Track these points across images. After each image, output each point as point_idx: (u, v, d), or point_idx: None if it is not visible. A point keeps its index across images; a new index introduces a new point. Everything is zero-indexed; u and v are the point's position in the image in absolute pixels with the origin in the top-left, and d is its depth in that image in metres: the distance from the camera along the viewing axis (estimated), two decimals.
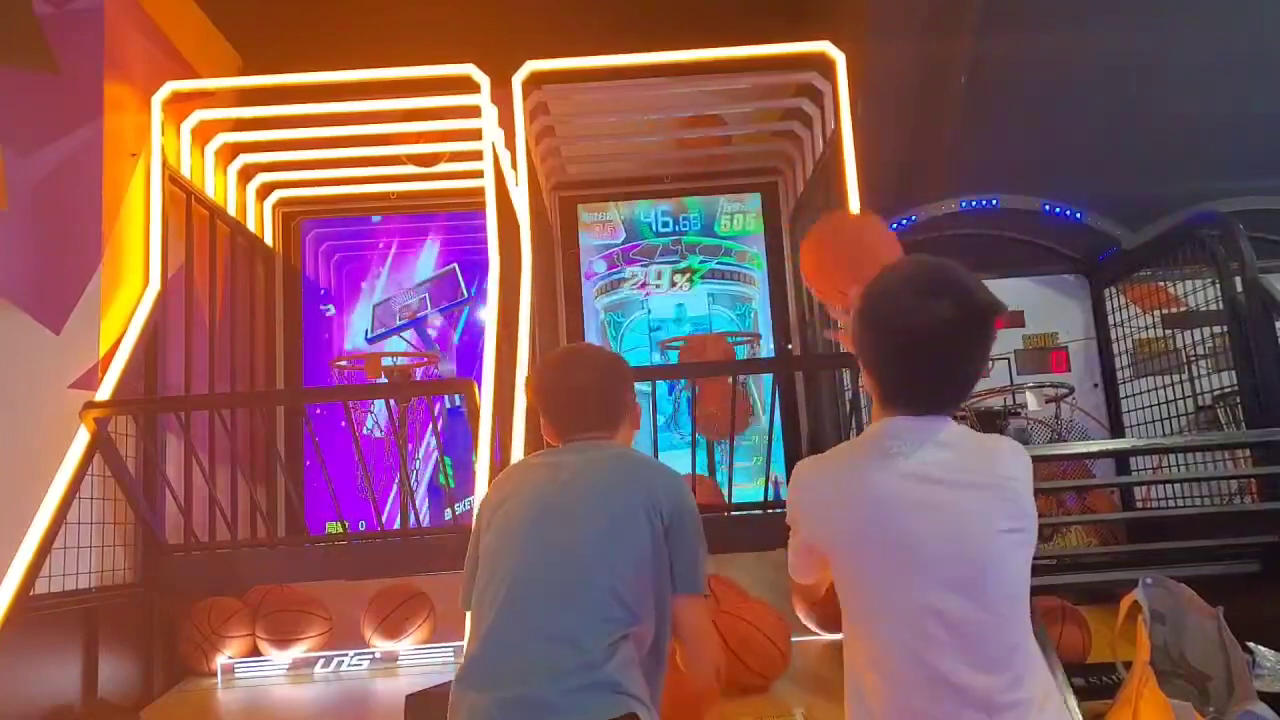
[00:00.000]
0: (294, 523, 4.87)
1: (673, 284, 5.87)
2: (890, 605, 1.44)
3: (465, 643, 1.87)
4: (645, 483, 1.88)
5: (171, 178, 4.24)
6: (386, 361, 4.97)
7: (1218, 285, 4.42)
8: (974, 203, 5.09)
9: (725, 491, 4.04)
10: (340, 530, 4.65)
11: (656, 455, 3.47)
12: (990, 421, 4.60)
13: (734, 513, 4.06)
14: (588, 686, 1.66)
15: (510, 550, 1.84)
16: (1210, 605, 2.74)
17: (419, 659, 3.94)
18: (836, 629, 2.86)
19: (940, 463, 1.46)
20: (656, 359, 5.64)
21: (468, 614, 1.92)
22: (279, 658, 3.92)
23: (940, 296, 1.44)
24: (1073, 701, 2.64)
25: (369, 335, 5.65)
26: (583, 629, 1.71)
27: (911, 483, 1.45)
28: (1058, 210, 5.07)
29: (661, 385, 5.59)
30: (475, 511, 2.03)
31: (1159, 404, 4.82)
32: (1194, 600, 2.75)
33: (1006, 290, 5.51)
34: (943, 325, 1.43)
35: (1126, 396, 5.09)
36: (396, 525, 4.68)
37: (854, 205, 4.13)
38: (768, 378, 5.45)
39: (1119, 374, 5.15)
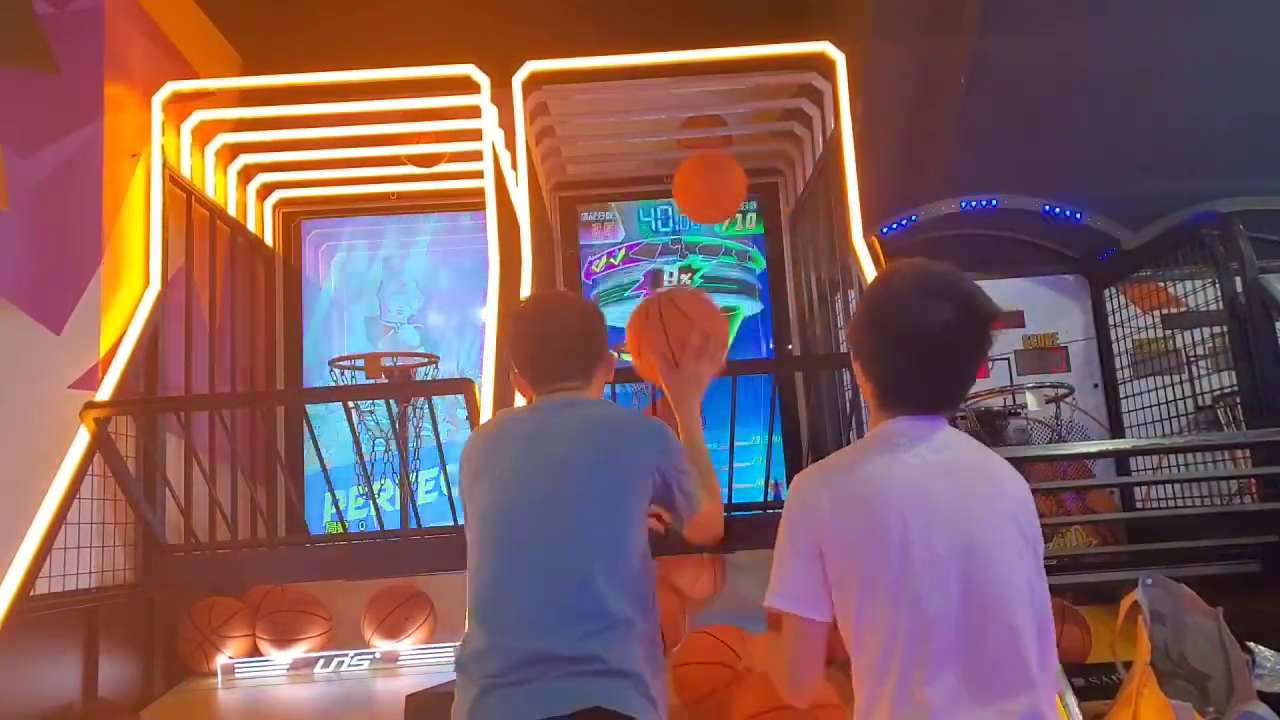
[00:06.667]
0: (294, 523, 4.87)
1: (674, 282, 5.86)
2: (886, 600, 1.41)
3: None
4: (631, 444, 1.86)
5: (172, 178, 4.23)
6: (387, 362, 4.96)
7: (1217, 285, 4.42)
8: (974, 203, 5.10)
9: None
10: (340, 530, 4.65)
11: None
12: (990, 421, 4.60)
13: (734, 513, 4.05)
14: (587, 669, 1.65)
15: (498, 533, 1.80)
16: (1210, 605, 2.74)
17: (419, 659, 3.94)
18: None
19: (943, 462, 1.49)
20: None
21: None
22: (279, 658, 3.93)
23: (944, 299, 1.49)
24: (1073, 701, 2.63)
25: (369, 336, 5.65)
26: (580, 612, 1.69)
27: (916, 474, 1.46)
28: (1058, 210, 5.08)
29: None
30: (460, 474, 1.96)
31: (1159, 404, 4.82)
32: (1194, 600, 2.75)
33: (1006, 290, 5.52)
34: (946, 326, 1.47)
35: (1126, 396, 5.09)
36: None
37: (854, 205, 4.13)
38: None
39: (1119, 374, 5.15)
